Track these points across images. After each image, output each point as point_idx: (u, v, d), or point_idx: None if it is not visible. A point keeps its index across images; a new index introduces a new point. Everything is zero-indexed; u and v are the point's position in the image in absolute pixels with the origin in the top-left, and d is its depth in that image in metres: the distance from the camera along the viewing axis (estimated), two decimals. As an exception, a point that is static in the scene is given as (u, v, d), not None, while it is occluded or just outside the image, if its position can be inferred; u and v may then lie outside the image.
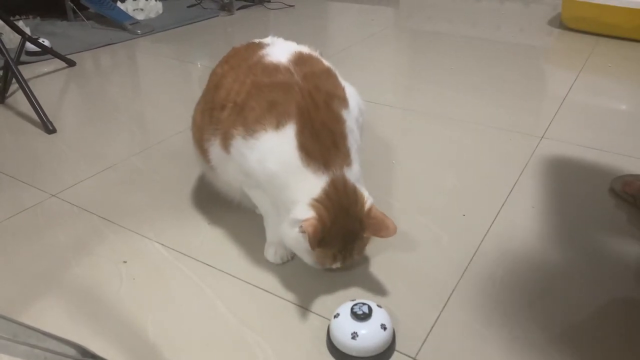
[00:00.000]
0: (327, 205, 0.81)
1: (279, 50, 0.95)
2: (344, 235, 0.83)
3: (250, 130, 0.85)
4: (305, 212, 0.80)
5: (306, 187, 0.82)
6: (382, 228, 0.83)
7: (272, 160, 0.84)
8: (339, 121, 0.86)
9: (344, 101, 0.90)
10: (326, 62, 0.98)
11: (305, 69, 0.90)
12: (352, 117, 0.90)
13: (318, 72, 0.92)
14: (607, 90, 1.81)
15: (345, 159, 0.85)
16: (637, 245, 1.03)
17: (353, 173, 0.85)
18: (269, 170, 0.84)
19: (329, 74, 0.94)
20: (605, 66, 1.98)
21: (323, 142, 0.83)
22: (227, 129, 0.90)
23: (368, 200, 0.84)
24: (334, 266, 0.88)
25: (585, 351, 0.80)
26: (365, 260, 0.99)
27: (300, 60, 0.93)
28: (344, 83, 0.97)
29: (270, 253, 0.98)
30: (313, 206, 0.81)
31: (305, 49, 0.99)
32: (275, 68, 0.90)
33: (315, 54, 1.01)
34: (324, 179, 0.82)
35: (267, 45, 1.00)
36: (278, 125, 0.84)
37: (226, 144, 0.91)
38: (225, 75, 0.97)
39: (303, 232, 0.79)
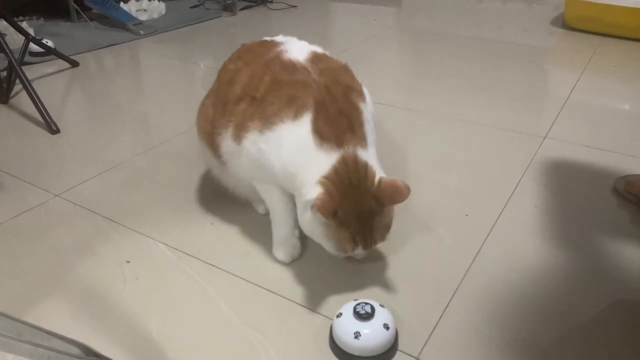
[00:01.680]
0: (335, 181, 0.80)
1: (295, 48, 0.97)
2: (358, 212, 0.81)
3: (269, 123, 0.86)
4: (313, 191, 0.80)
5: (318, 167, 0.82)
6: (395, 193, 0.81)
7: (287, 147, 0.85)
8: (356, 110, 0.88)
9: (361, 94, 0.92)
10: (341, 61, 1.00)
11: (322, 65, 0.92)
12: (368, 109, 0.91)
13: (335, 67, 0.94)
14: (610, 90, 1.81)
15: (360, 141, 0.85)
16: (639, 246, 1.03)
17: (368, 154, 0.85)
18: (284, 158, 0.85)
19: (345, 69, 0.96)
20: (609, 66, 1.98)
21: (338, 126, 0.84)
22: (243, 121, 0.91)
23: (378, 174, 0.83)
24: (357, 252, 0.85)
25: (588, 353, 0.80)
26: (368, 260, 0.99)
27: (316, 58, 0.95)
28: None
29: (279, 252, 0.99)
30: (321, 183, 0.81)
31: (319, 49, 1.00)
32: (293, 66, 0.91)
33: (327, 53, 1.02)
34: (335, 156, 0.82)
35: (281, 42, 1.01)
36: (296, 116, 0.85)
37: (239, 135, 0.91)
38: (240, 72, 0.97)
39: (315, 211, 0.78)
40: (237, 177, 1.02)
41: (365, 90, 0.97)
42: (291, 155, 0.85)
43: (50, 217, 1.15)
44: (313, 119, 0.84)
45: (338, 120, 0.85)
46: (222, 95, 0.99)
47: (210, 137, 1.02)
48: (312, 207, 0.79)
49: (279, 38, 1.05)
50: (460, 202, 1.16)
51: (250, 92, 0.92)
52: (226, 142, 0.96)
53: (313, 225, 0.83)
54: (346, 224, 0.81)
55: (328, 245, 0.85)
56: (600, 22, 2.25)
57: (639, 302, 0.90)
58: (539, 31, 2.44)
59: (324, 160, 0.82)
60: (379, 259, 0.99)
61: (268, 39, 1.06)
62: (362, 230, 0.82)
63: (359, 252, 0.86)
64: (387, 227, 0.87)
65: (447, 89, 1.80)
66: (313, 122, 0.84)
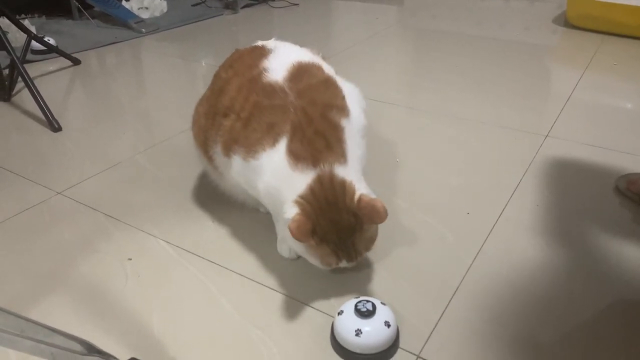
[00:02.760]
0: (311, 200, 0.81)
1: (278, 65, 0.94)
2: (337, 229, 0.81)
3: (252, 152, 0.88)
4: (290, 210, 0.81)
5: (294, 187, 0.83)
6: (373, 213, 0.81)
7: (268, 173, 0.86)
8: (335, 128, 0.87)
9: (342, 110, 0.90)
10: (326, 70, 0.97)
11: (301, 85, 0.90)
12: (353, 124, 0.90)
13: (315, 84, 0.92)
14: (613, 88, 1.80)
15: (338, 157, 0.84)
16: (641, 244, 1.02)
17: (348, 170, 0.84)
18: (266, 181, 0.86)
19: (327, 84, 0.94)
20: (611, 65, 1.97)
21: (315, 146, 0.84)
22: (229, 140, 0.92)
23: (358, 191, 0.83)
24: (342, 265, 0.86)
25: (588, 352, 0.80)
26: (369, 258, 0.99)
27: (297, 74, 0.93)
28: (347, 86, 0.97)
29: (284, 249, 0.99)
30: (297, 202, 0.81)
31: (306, 56, 0.98)
32: (272, 89, 0.90)
33: (317, 58, 1.01)
34: (310, 175, 0.82)
35: (270, 51, 0.99)
36: (274, 143, 0.86)
37: (227, 154, 0.93)
38: (230, 81, 0.98)
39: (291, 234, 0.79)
40: (233, 184, 1.02)
41: (355, 95, 0.96)
42: (271, 179, 0.86)
43: (52, 214, 1.15)
44: (288, 142, 0.85)
45: (314, 140, 0.84)
46: (213, 104, 1.00)
47: (204, 147, 1.03)
48: (289, 228, 0.79)
49: (270, 43, 1.04)
50: (462, 200, 1.16)
51: (236, 108, 0.92)
52: (218, 156, 0.98)
53: (295, 243, 0.83)
54: (326, 241, 0.82)
55: (312, 260, 0.86)
56: (602, 21, 2.24)
57: (639, 300, 0.90)
58: (541, 29, 2.44)
59: (300, 180, 0.82)
60: (380, 257, 0.99)
61: (260, 44, 1.05)
62: (344, 246, 0.83)
63: (344, 264, 0.86)
64: (371, 240, 0.87)
65: (448, 87, 1.80)
66: (288, 145, 0.84)
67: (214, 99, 1.00)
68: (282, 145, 0.85)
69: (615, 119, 1.54)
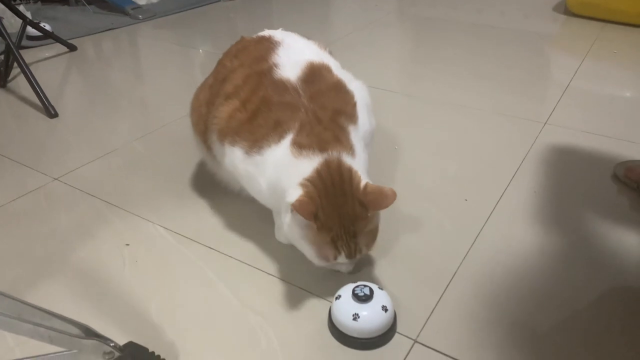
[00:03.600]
0: (316, 183, 0.79)
1: (289, 61, 0.94)
2: (340, 215, 0.79)
3: (257, 147, 0.87)
4: (294, 193, 0.79)
5: (298, 173, 0.81)
6: (381, 198, 0.79)
7: (271, 166, 0.85)
8: (343, 131, 0.86)
9: (352, 117, 0.89)
10: (334, 70, 0.96)
11: (313, 89, 0.90)
12: (359, 131, 0.89)
13: (325, 89, 0.91)
14: (612, 76, 1.80)
15: (347, 149, 0.84)
16: (639, 232, 1.03)
17: (354, 162, 0.83)
18: (269, 176, 0.86)
19: (338, 89, 0.93)
20: (611, 52, 1.97)
21: (321, 137, 0.84)
22: (226, 129, 0.91)
23: (364, 180, 0.82)
24: (340, 260, 0.82)
25: (586, 338, 0.81)
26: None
27: (310, 75, 0.92)
28: (354, 85, 0.96)
29: (282, 235, 0.99)
30: (302, 185, 0.80)
31: (315, 55, 0.97)
32: (284, 87, 0.90)
33: (325, 54, 1.00)
34: (317, 160, 0.81)
35: (278, 44, 0.98)
36: (279, 139, 0.85)
37: (222, 139, 0.92)
38: (235, 71, 0.97)
39: (295, 212, 0.77)
40: (230, 173, 1.01)
41: (361, 91, 0.96)
42: (274, 172, 0.85)
43: (50, 200, 1.15)
44: (294, 136, 0.84)
45: (322, 133, 0.84)
46: (216, 93, 0.99)
47: (204, 136, 1.02)
48: (291, 209, 0.78)
49: (277, 35, 1.02)
50: (460, 187, 1.16)
51: (241, 96, 0.92)
52: (215, 143, 0.97)
53: (293, 230, 0.82)
54: (327, 228, 0.79)
55: (309, 252, 0.83)
56: (602, 9, 2.23)
57: (637, 287, 0.90)
58: (541, 17, 2.42)
59: (305, 165, 0.81)
60: (378, 243, 0.99)
61: (267, 34, 1.03)
62: (344, 236, 0.80)
63: (342, 260, 0.82)
64: (372, 236, 0.84)
65: (447, 74, 1.79)
66: (293, 138, 0.84)
67: (217, 88, 0.99)
68: (286, 139, 0.85)
69: (613, 107, 1.54)
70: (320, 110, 0.87)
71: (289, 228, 0.83)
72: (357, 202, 0.80)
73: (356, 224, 0.80)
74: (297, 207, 0.75)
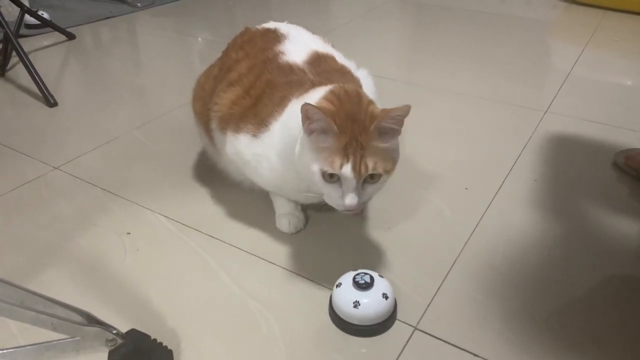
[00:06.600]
0: (331, 98, 0.79)
1: (296, 49, 0.95)
2: (353, 122, 0.76)
3: (263, 125, 0.87)
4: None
5: (312, 101, 0.79)
6: (392, 110, 0.76)
7: (280, 130, 0.85)
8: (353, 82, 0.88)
9: None
10: (339, 60, 0.98)
11: (320, 69, 0.91)
12: None
13: (332, 70, 0.92)
14: (613, 64, 1.79)
15: (356, 84, 0.86)
16: (638, 220, 1.03)
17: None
18: (281, 139, 0.85)
19: (344, 72, 0.95)
20: (612, 40, 1.96)
21: (329, 80, 0.85)
22: (227, 116, 0.92)
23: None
24: (344, 169, 0.75)
25: (585, 324, 0.81)
26: (367, 230, 0.99)
27: (316, 59, 0.94)
28: (360, 73, 0.97)
29: (284, 223, 0.99)
30: (319, 100, 0.80)
31: (320, 45, 0.99)
32: (290, 69, 0.91)
33: (329, 47, 1.01)
34: (329, 87, 0.82)
35: (284, 35, 0.99)
36: (284, 108, 0.86)
37: (224, 127, 0.92)
38: (240, 61, 0.98)
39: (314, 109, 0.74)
40: (231, 161, 1.00)
41: (368, 80, 0.97)
42: (284, 130, 0.84)
43: (50, 189, 1.15)
44: (298, 95, 0.85)
45: (329, 81, 0.86)
46: (220, 83, 0.99)
47: (207, 125, 1.02)
48: (307, 132, 0.77)
49: (282, 27, 1.03)
50: (461, 175, 1.16)
51: (244, 84, 0.92)
52: (215, 133, 0.97)
53: (304, 154, 0.78)
54: (342, 132, 0.75)
55: (314, 160, 0.77)
56: (604, -4, 2.22)
57: (635, 275, 0.91)
58: (542, 4, 2.41)
59: (316, 94, 0.82)
60: (378, 230, 1.00)
61: (272, 26, 1.04)
62: (354, 143, 0.76)
63: (347, 171, 0.75)
64: (383, 156, 0.79)
65: (447, 62, 1.78)
66: (297, 96, 0.85)
67: (222, 77, 0.99)
68: (292, 102, 0.85)
69: (614, 95, 1.53)
70: (327, 82, 0.87)
71: (299, 155, 0.80)
72: (368, 115, 0.77)
73: (367, 134, 0.76)
74: (320, 106, 0.75)
